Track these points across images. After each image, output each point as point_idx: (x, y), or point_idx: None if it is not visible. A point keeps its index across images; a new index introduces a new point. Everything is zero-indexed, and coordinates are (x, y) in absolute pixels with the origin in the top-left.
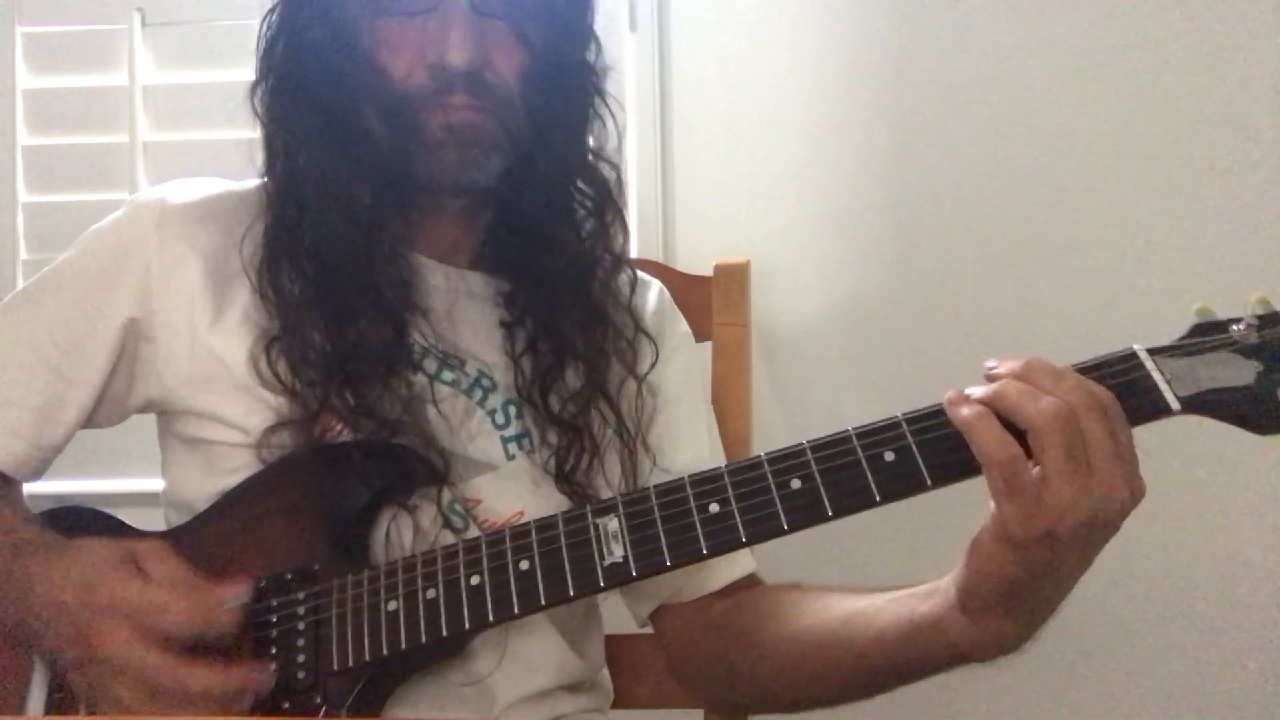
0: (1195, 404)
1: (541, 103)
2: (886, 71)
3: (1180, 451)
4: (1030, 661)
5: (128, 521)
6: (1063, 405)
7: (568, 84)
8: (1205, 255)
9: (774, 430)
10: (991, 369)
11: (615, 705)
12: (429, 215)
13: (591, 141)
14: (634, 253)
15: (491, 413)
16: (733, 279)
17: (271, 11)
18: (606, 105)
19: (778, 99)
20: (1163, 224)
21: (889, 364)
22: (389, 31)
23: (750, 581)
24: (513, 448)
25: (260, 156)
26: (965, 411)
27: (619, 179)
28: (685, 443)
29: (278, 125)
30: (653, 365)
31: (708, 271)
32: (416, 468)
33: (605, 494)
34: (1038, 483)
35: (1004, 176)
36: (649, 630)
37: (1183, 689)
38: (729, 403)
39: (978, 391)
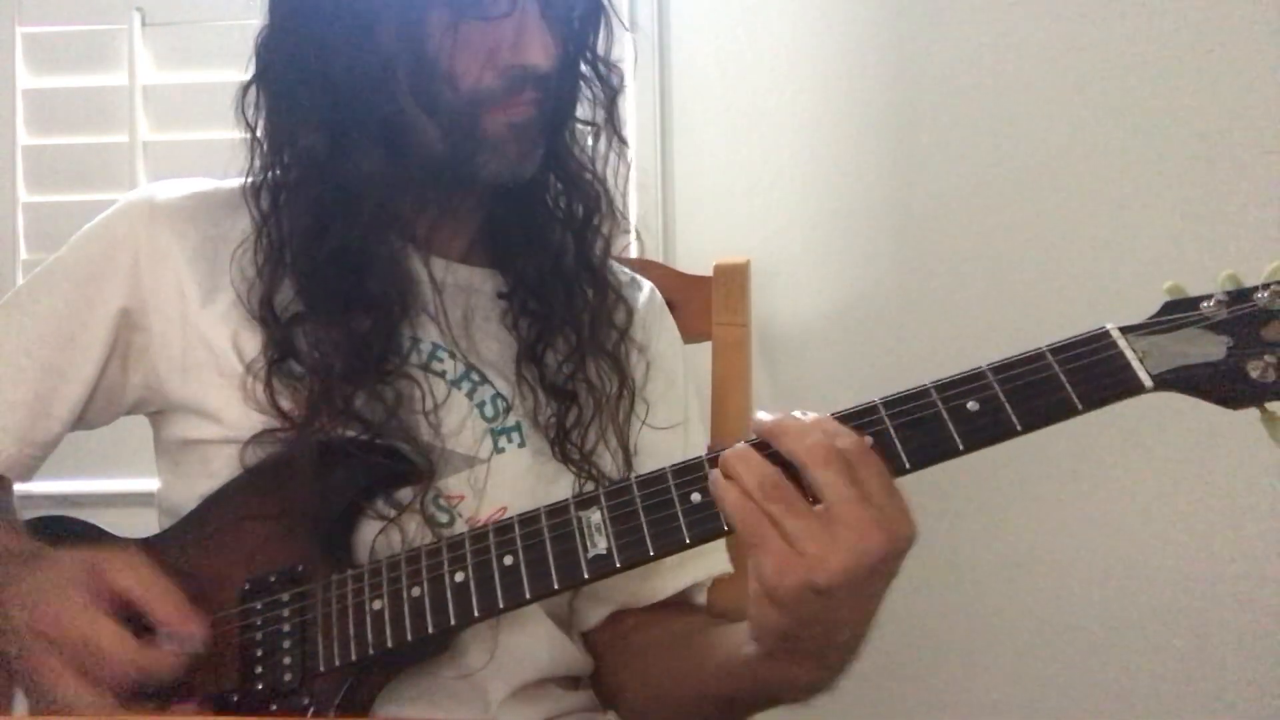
0: (1167, 380)
1: (566, 99)
2: (886, 71)
3: (1178, 450)
4: (1030, 661)
5: (120, 527)
6: (768, 472)
7: (582, 80)
8: (1207, 256)
9: None
10: (757, 425)
11: None
12: (424, 211)
13: (589, 140)
14: (634, 253)
15: (480, 405)
16: (733, 279)
17: (273, 9)
18: (610, 99)
19: (778, 99)
20: (1164, 222)
21: (889, 364)
22: (459, 34)
23: (693, 597)
24: (502, 441)
25: (253, 154)
26: (709, 481)
27: (606, 176)
28: (674, 407)
29: (286, 123)
30: (629, 317)
31: (708, 271)
32: (400, 466)
33: (602, 460)
34: (784, 542)
35: (1004, 176)
36: None
37: (1182, 688)
38: (729, 403)
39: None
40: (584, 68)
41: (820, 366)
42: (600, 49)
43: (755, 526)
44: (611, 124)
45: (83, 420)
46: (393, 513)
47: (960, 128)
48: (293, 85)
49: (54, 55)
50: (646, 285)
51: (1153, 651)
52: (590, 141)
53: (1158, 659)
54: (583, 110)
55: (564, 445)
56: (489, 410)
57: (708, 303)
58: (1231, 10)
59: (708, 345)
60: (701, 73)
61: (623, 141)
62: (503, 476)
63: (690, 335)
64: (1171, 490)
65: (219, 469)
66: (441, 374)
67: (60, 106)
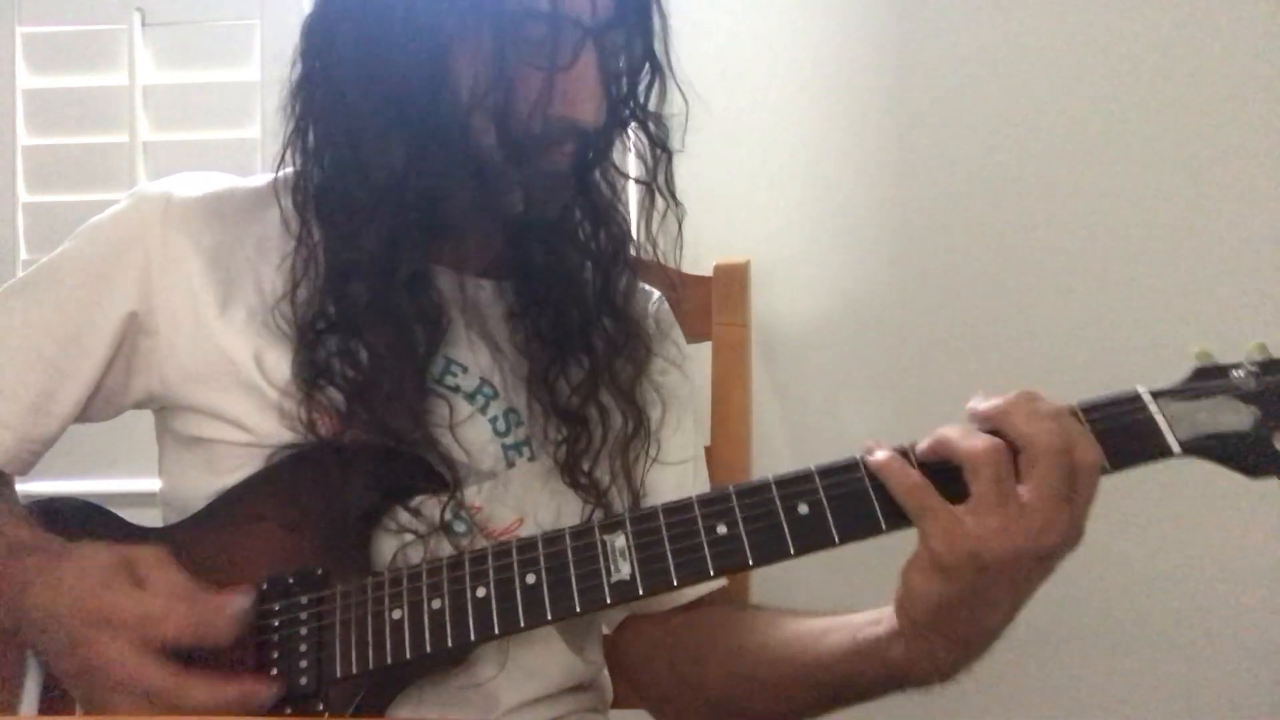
0: (1194, 447)
1: (603, 150)
2: (886, 71)
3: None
4: (1031, 663)
5: (124, 518)
6: (994, 444)
7: (632, 134)
8: (1203, 257)
9: (773, 431)
10: (974, 409)
11: (615, 705)
12: (455, 228)
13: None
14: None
15: (493, 420)
16: (733, 279)
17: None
18: (667, 160)
19: (778, 99)
20: (1161, 223)
21: (889, 364)
22: (520, 74)
23: (716, 597)
24: (513, 455)
25: (287, 153)
26: (871, 459)
27: (621, 189)
28: (680, 442)
29: (341, 127)
30: (648, 354)
31: (708, 271)
32: (421, 472)
33: (609, 493)
34: (953, 508)
35: (1004, 176)
36: None
37: (1183, 690)
38: (729, 403)
39: (925, 444)
40: (634, 124)
41: (820, 366)
42: (653, 105)
43: (914, 492)
44: (669, 185)
45: (83, 417)
46: (413, 521)
47: (960, 128)
48: (349, 88)
49: (54, 55)
50: (656, 294)
51: (1156, 654)
52: (646, 201)
53: (1160, 661)
54: (636, 167)
55: (573, 472)
56: (500, 425)
57: (708, 303)
58: (1262, 16)
59: (708, 345)
60: (701, 73)
61: (677, 203)
62: (518, 488)
63: (690, 335)
64: (1173, 496)
65: (234, 466)
66: (456, 388)
67: (60, 106)
